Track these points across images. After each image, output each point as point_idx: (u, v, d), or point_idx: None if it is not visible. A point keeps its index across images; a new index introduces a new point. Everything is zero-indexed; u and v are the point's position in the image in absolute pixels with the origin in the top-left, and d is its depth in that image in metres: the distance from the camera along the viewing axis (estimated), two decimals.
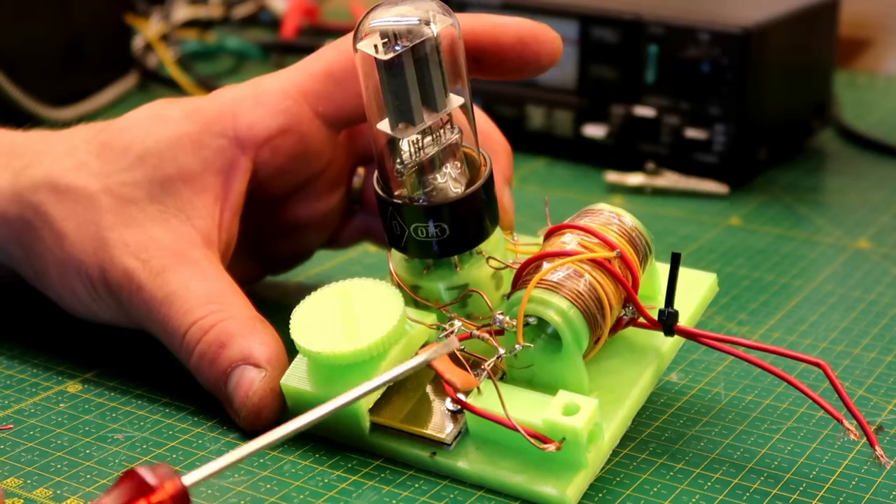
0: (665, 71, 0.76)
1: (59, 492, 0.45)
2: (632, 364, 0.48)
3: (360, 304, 0.48)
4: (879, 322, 0.59)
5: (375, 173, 0.49)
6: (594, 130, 0.79)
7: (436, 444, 0.46)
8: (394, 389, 0.48)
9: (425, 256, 0.49)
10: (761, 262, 0.66)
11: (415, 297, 0.49)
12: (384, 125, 0.48)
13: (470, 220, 0.48)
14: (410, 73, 0.47)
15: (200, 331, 0.49)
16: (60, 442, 0.48)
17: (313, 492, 0.45)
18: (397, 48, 0.47)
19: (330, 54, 0.53)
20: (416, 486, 0.46)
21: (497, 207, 0.50)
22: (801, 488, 0.46)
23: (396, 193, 0.48)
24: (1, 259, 0.55)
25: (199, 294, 0.49)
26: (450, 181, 0.48)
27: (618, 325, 0.47)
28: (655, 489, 0.46)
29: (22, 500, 0.44)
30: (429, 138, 0.48)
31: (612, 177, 0.77)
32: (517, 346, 0.45)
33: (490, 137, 0.56)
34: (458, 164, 0.49)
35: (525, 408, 0.44)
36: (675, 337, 0.47)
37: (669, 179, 0.76)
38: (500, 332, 0.46)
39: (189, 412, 0.50)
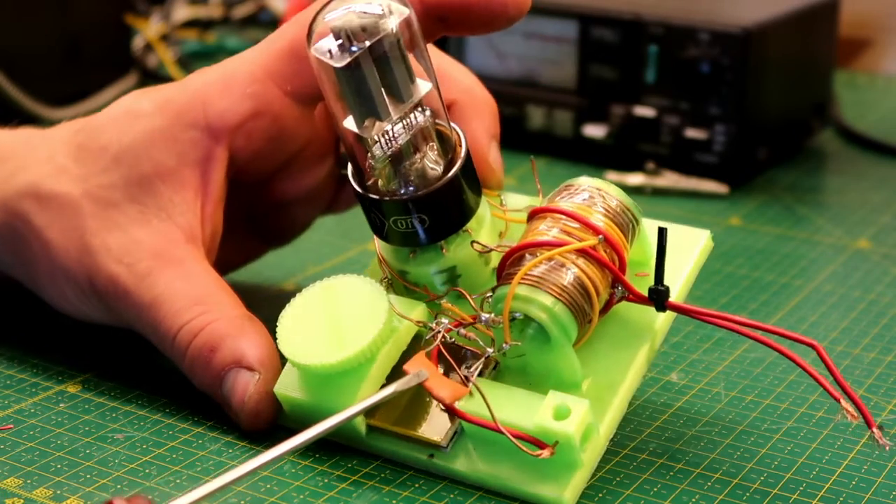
0: (665, 71, 0.76)
1: (59, 492, 0.45)
2: (624, 345, 0.47)
3: (344, 305, 0.47)
4: (879, 322, 0.59)
5: (349, 168, 0.48)
6: (594, 130, 0.79)
7: (432, 447, 0.46)
8: None
9: (409, 245, 0.48)
10: (761, 262, 0.66)
11: (403, 283, 0.49)
12: (350, 123, 0.46)
13: (451, 206, 0.47)
14: (371, 72, 0.45)
15: (190, 334, 0.49)
16: (60, 442, 0.48)
17: (313, 492, 0.45)
18: (353, 49, 0.44)
19: (292, 30, 0.51)
20: (416, 486, 0.46)
21: (478, 183, 0.48)
22: (801, 488, 0.46)
23: (372, 185, 0.47)
24: None
25: (187, 295, 0.49)
26: (427, 164, 0.47)
27: (609, 303, 0.47)
28: (655, 489, 0.46)
29: (22, 500, 0.44)
30: (399, 126, 0.46)
31: (612, 177, 0.77)
32: (505, 345, 0.45)
33: (472, 93, 0.54)
34: (433, 146, 0.47)
35: (516, 410, 0.44)
36: (668, 312, 0.47)
37: (669, 179, 0.76)
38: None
39: (189, 412, 0.50)
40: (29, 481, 0.45)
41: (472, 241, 0.48)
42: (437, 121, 0.47)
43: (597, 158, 0.80)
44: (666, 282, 0.45)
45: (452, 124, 0.48)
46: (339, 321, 0.47)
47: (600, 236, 0.45)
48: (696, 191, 0.76)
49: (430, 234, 0.47)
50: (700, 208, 0.74)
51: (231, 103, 0.51)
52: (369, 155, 0.47)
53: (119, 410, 0.50)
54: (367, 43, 0.45)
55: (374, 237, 0.49)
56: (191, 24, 1.06)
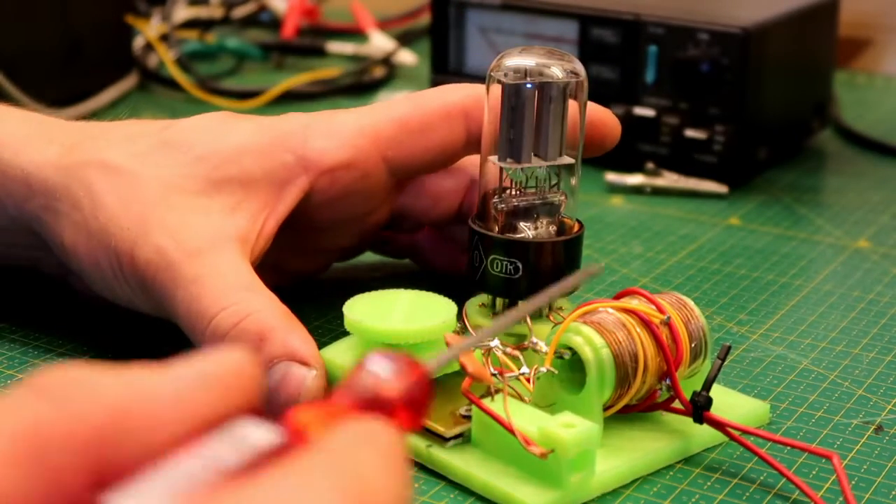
0: (665, 71, 0.76)
1: None
2: (653, 439, 0.47)
3: (415, 302, 0.50)
4: (879, 322, 0.59)
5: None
6: None
7: (436, 438, 0.46)
8: None
9: (496, 293, 0.51)
10: (761, 262, 0.66)
11: (472, 332, 0.50)
12: (495, 158, 0.50)
13: (547, 266, 0.50)
14: (531, 108, 0.49)
15: (234, 316, 0.48)
16: None
17: None
18: (525, 82, 0.49)
19: (409, 105, 0.54)
20: (416, 486, 0.46)
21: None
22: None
23: (487, 224, 0.51)
24: (29, 223, 0.53)
25: (233, 280, 0.49)
26: (543, 223, 0.51)
27: (649, 399, 0.47)
28: (655, 489, 0.46)
29: None
30: (533, 188, 0.51)
31: (612, 177, 0.77)
32: (542, 368, 0.46)
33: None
34: (553, 228, 0.51)
35: (528, 418, 0.44)
36: (707, 432, 0.47)
37: (669, 179, 0.76)
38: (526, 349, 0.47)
39: None
40: None
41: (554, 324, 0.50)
42: (565, 213, 0.51)
43: (597, 158, 0.79)
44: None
45: (577, 219, 0.52)
46: (410, 308, 0.50)
47: (666, 316, 0.46)
48: (696, 191, 0.76)
49: (519, 286, 0.50)
50: (700, 208, 0.74)
51: (333, 146, 0.53)
52: (497, 197, 0.51)
53: None
54: (539, 80, 0.49)
55: (465, 311, 0.51)
56: (191, 24, 1.06)
